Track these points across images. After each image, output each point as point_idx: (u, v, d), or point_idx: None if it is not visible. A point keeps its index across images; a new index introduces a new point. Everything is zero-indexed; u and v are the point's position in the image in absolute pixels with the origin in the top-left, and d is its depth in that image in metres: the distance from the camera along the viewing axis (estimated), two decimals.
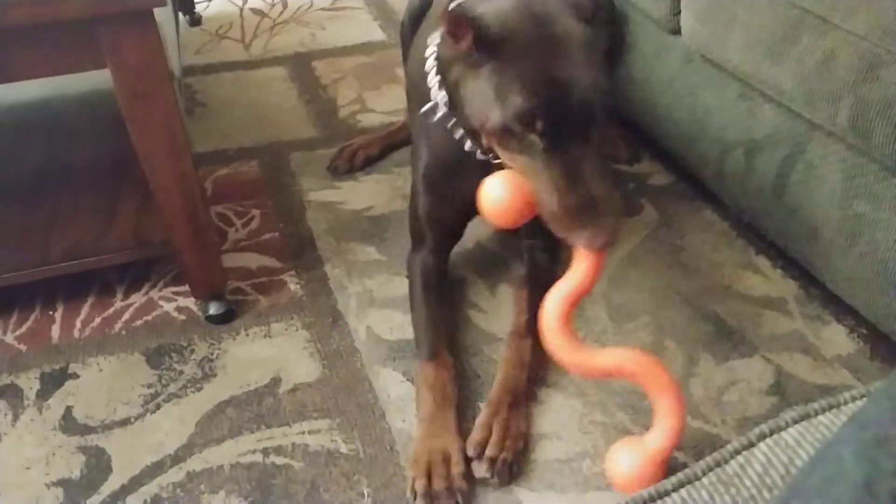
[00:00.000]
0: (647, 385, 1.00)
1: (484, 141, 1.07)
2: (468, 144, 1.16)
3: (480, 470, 1.07)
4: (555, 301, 1.02)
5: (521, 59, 0.97)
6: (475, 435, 1.10)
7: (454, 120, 1.15)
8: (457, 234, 1.39)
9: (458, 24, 0.99)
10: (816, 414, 0.56)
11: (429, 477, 1.05)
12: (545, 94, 0.95)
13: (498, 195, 1.04)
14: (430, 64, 1.17)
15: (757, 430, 0.55)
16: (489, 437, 1.10)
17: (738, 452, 0.55)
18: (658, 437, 0.98)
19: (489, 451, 1.08)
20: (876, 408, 0.41)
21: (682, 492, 0.53)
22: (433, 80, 1.16)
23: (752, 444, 0.55)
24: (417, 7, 1.62)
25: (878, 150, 1.13)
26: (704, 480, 0.54)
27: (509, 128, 0.97)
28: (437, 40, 1.17)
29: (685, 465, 1.07)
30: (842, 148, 1.23)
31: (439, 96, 1.15)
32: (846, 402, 0.55)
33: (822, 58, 1.18)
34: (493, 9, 1.02)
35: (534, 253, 1.38)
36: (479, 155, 1.16)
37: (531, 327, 1.20)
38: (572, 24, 0.99)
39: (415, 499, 1.03)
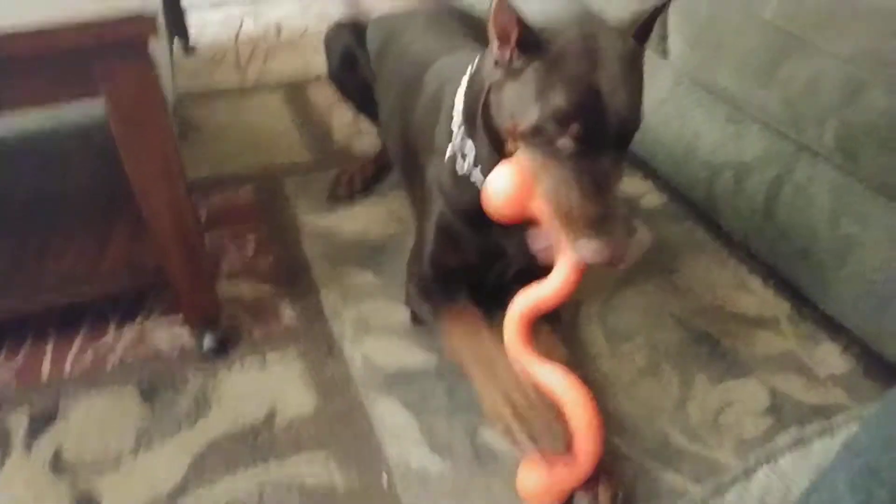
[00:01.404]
0: (570, 418, 1.01)
1: (508, 147, 1.08)
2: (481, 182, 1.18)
3: None
4: (522, 303, 1.05)
5: (565, 64, 0.98)
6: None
7: (478, 168, 1.18)
8: (460, 281, 1.34)
9: (507, 15, 0.99)
10: (811, 439, 0.56)
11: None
12: (585, 99, 0.96)
13: (504, 185, 1.04)
14: (457, 110, 1.20)
15: (753, 458, 0.55)
16: None
17: (735, 481, 0.55)
18: (565, 471, 1.00)
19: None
20: (867, 435, 0.41)
21: None
22: (458, 128, 1.19)
23: (748, 473, 0.55)
24: (343, 55, 1.73)
25: (865, 170, 1.15)
26: None
27: (543, 128, 0.98)
28: (464, 87, 1.20)
29: (685, 491, 1.09)
30: (829, 169, 1.25)
31: (466, 146, 1.18)
32: (839, 426, 0.56)
33: (808, 81, 1.19)
34: (541, 18, 1.05)
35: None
36: None
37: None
38: (618, 40, 1.01)
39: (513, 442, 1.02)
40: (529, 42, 1.00)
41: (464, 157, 1.21)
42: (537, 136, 0.99)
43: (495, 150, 1.14)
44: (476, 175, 1.19)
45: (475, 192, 1.20)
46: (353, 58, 1.73)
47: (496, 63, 1.05)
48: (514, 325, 1.06)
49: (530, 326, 1.05)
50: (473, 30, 1.62)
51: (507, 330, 1.07)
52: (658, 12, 1.03)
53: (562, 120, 0.96)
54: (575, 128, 0.95)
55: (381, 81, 1.66)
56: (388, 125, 1.62)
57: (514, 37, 1.00)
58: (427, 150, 1.34)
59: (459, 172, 1.22)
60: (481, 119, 1.14)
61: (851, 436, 0.42)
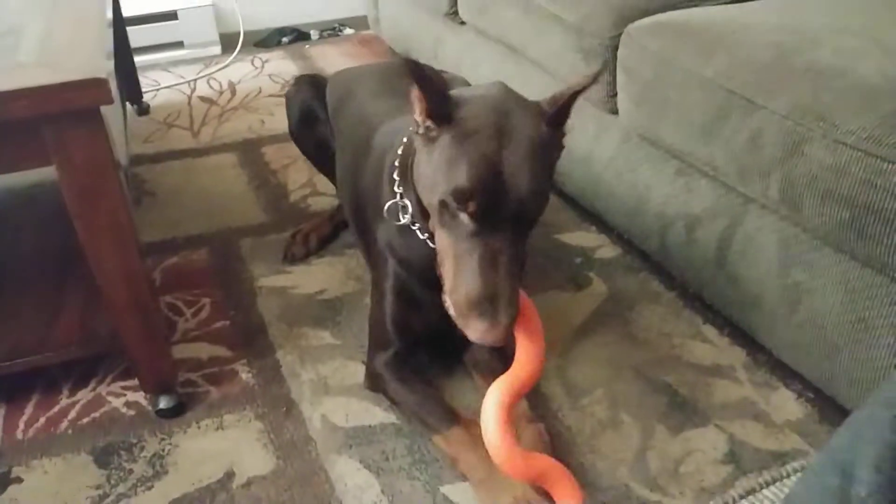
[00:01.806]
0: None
1: (430, 224, 1.09)
2: (422, 235, 1.20)
3: None
4: (500, 392, 1.02)
5: (472, 141, 0.99)
6: None
7: (413, 214, 1.19)
8: (419, 343, 1.36)
9: (415, 85, 1.02)
10: (761, 488, 0.57)
11: None
12: (486, 179, 0.97)
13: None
14: (391, 169, 1.23)
15: None
16: None
17: None
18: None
19: None
20: (804, 488, 0.42)
21: None
22: (396, 184, 1.22)
23: None
24: (302, 110, 1.74)
25: (809, 220, 1.18)
26: None
27: (447, 203, 1.00)
28: (400, 147, 1.23)
29: None
30: (776, 219, 1.28)
31: (405, 201, 1.20)
32: (789, 475, 0.57)
33: (751, 136, 1.24)
34: (461, 91, 1.08)
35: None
36: (431, 244, 1.17)
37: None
38: (529, 123, 1.02)
39: None
40: (439, 114, 1.02)
41: (404, 210, 1.22)
42: (444, 210, 1.01)
43: (422, 214, 1.16)
44: (415, 228, 1.21)
45: (424, 249, 1.21)
46: (312, 113, 1.74)
47: (415, 128, 1.07)
48: (495, 416, 1.01)
49: (511, 414, 1.03)
50: None
51: (486, 419, 1.02)
52: (574, 98, 1.04)
53: (461, 197, 0.98)
54: (472, 206, 0.97)
55: (337, 138, 1.67)
56: (342, 184, 1.63)
57: (420, 108, 1.03)
58: (376, 213, 1.34)
59: (400, 221, 1.22)
60: (410, 182, 1.16)
61: (792, 488, 0.43)
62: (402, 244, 1.28)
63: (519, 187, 0.97)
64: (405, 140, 1.23)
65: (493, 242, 0.99)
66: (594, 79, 1.03)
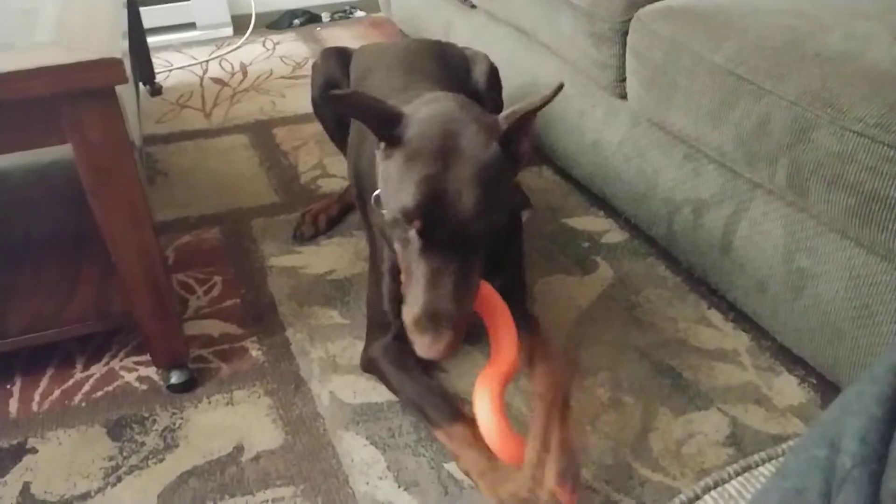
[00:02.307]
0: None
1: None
2: None
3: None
4: (486, 390, 1.06)
5: (418, 161, 1.03)
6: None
7: None
8: None
9: (359, 111, 1.06)
10: (757, 465, 0.59)
11: None
12: (428, 199, 1.01)
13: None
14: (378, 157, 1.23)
15: (702, 483, 0.58)
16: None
17: None
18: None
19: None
20: (795, 460, 0.44)
21: None
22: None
23: (697, 497, 0.57)
24: (325, 83, 1.74)
25: (815, 206, 1.19)
26: None
27: (397, 221, 1.04)
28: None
29: None
30: (782, 205, 1.29)
31: None
32: (783, 454, 0.58)
33: (759, 121, 1.24)
34: (416, 108, 1.11)
35: None
36: None
37: (545, 346, 1.26)
38: (478, 141, 1.04)
39: None
40: (388, 137, 1.06)
41: None
42: (396, 227, 1.05)
43: None
44: None
45: None
46: (335, 86, 1.75)
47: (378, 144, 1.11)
48: (489, 405, 1.05)
49: (503, 410, 1.06)
50: (447, 69, 1.64)
51: (482, 410, 1.05)
52: (529, 115, 1.05)
53: (407, 216, 1.01)
54: (417, 224, 1.00)
55: None
56: (349, 161, 1.64)
57: (371, 130, 1.08)
58: (370, 195, 1.34)
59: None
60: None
61: (783, 461, 0.45)
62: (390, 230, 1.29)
63: (463, 207, 1.00)
64: None
65: (438, 261, 1.02)
66: (553, 96, 1.04)
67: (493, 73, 1.72)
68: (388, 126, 1.06)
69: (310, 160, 2.14)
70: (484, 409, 1.05)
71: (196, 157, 2.17)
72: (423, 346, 1.01)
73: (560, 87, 1.05)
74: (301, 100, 2.52)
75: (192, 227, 1.84)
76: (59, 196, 1.65)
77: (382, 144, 1.08)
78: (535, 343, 1.27)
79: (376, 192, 1.22)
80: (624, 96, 1.64)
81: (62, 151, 1.17)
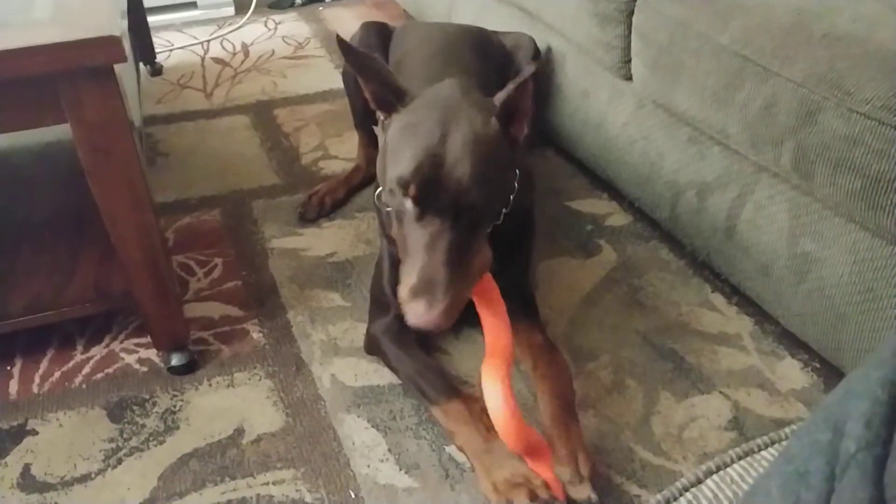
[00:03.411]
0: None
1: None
2: None
3: (583, 491, 1.05)
4: (495, 375, 1.05)
5: (416, 129, 1.05)
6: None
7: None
8: None
9: (360, 68, 1.07)
10: (759, 449, 0.58)
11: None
12: (424, 166, 1.02)
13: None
14: (378, 133, 1.24)
15: (704, 467, 0.57)
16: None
17: (686, 489, 0.57)
18: None
19: (584, 471, 1.07)
20: (798, 443, 0.43)
21: None
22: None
23: (699, 481, 0.57)
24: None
25: (820, 190, 1.18)
26: None
27: (393, 191, 1.05)
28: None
29: (642, 502, 1.10)
30: (787, 188, 1.28)
31: None
32: (786, 438, 0.58)
33: (764, 104, 1.23)
34: (419, 92, 1.12)
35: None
36: None
37: (547, 340, 1.28)
38: (476, 117, 1.06)
39: None
40: (385, 102, 1.08)
41: None
42: (392, 197, 1.06)
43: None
44: None
45: None
46: None
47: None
48: (501, 389, 1.04)
49: (510, 385, 1.06)
50: (487, 63, 1.62)
51: (492, 394, 1.05)
52: (520, 89, 1.06)
53: (403, 183, 1.02)
54: (412, 190, 1.01)
55: None
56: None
57: (368, 94, 1.09)
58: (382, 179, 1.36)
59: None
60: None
61: (785, 445, 0.44)
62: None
63: (458, 176, 1.01)
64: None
65: (434, 228, 1.02)
66: (537, 69, 1.06)
67: (537, 53, 1.73)
68: (390, 96, 1.08)
69: (311, 141, 2.12)
70: (495, 399, 1.04)
71: (197, 138, 2.16)
72: (415, 313, 1.01)
73: (543, 59, 1.07)
74: (303, 80, 2.51)
75: (193, 209, 1.83)
76: (59, 177, 1.64)
77: (382, 117, 1.09)
78: (535, 340, 1.30)
79: (379, 189, 1.22)
80: (629, 78, 1.62)
81: (62, 132, 1.16)
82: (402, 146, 1.05)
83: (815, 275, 1.24)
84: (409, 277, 1.02)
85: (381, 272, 1.36)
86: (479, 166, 1.02)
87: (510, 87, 1.07)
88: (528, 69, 1.06)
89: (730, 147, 1.39)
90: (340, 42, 1.07)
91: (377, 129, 1.13)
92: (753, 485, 0.45)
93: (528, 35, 1.79)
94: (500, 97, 1.09)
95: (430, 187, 1.01)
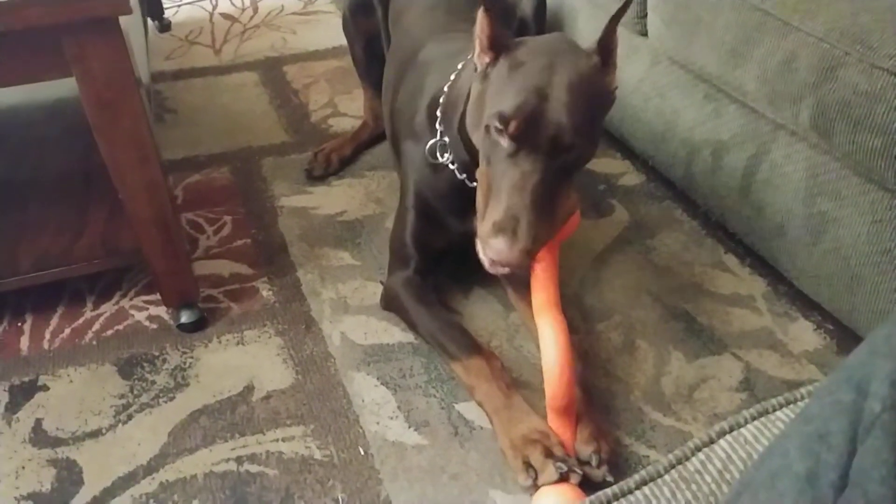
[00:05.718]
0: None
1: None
2: (460, 175, 1.24)
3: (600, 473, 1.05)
4: (552, 328, 1.04)
5: (522, 69, 1.04)
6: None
7: (452, 153, 1.24)
8: (439, 262, 1.38)
9: (484, 17, 1.06)
10: (774, 410, 0.57)
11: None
12: (528, 103, 1.00)
13: None
14: (433, 103, 1.28)
15: (717, 427, 0.56)
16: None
17: (698, 449, 0.56)
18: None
19: (604, 455, 1.06)
20: (818, 404, 0.42)
21: (645, 489, 0.54)
22: (438, 121, 1.26)
23: (712, 441, 0.56)
24: (361, 3, 1.73)
25: (839, 148, 1.15)
26: (666, 477, 0.55)
27: (489, 127, 1.03)
28: (447, 84, 1.26)
29: (652, 462, 1.10)
30: (805, 147, 1.25)
31: (445, 141, 1.24)
32: (802, 398, 0.56)
33: (784, 59, 1.20)
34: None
35: None
36: (469, 183, 1.22)
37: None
38: (580, 62, 1.05)
39: (534, 480, 1.02)
40: (498, 43, 1.07)
41: (443, 149, 1.25)
42: (487, 134, 1.04)
43: (470, 155, 1.18)
44: (452, 167, 1.25)
45: (452, 179, 1.25)
46: (367, 6, 1.74)
47: (476, 69, 1.11)
48: (562, 347, 1.04)
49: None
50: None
51: (552, 352, 1.04)
52: (611, 26, 1.06)
53: (503, 119, 1.01)
54: (512, 126, 1.00)
55: (391, 45, 1.66)
56: (385, 92, 1.62)
57: (485, 35, 1.07)
58: (407, 133, 1.36)
59: (438, 161, 1.26)
60: (457, 125, 1.19)
61: (804, 405, 0.43)
62: (428, 170, 1.30)
63: (559, 115, 1.00)
64: (452, 77, 1.26)
65: (526, 167, 1.01)
66: (627, 3, 1.05)
67: (541, 3, 1.71)
68: (502, 32, 1.08)
69: (321, 99, 2.10)
70: (553, 350, 1.03)
71: (205, 95, 2.14)
72: (496, 249, 0.99)
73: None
74: (312, 36, 2.48)
75: (202, 166, 1.82)
76: (68, 134, 1.63)
77: (484, 60, 1.09)
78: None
79: (432, 142, 1.25)
80: (644, 33, 1.59)
81: (70, 88, 1.14)
82: (507, 84, 1.04)
83: (832, 235, 1.22)
84: (495, 212, 1.01)
85: (405, 225, 1.34)
86: (582, 108, 1.02)
87: (605, 28, 1.06)
88: (620, 7, 1.04)
89: (747, 104, 1.36)
90: None
91: (473, 84, 1.12)
92: (769, 446, 0.44)
93: None
94: (595, 43, 1.08)
95: (531, 123, 1.00)
